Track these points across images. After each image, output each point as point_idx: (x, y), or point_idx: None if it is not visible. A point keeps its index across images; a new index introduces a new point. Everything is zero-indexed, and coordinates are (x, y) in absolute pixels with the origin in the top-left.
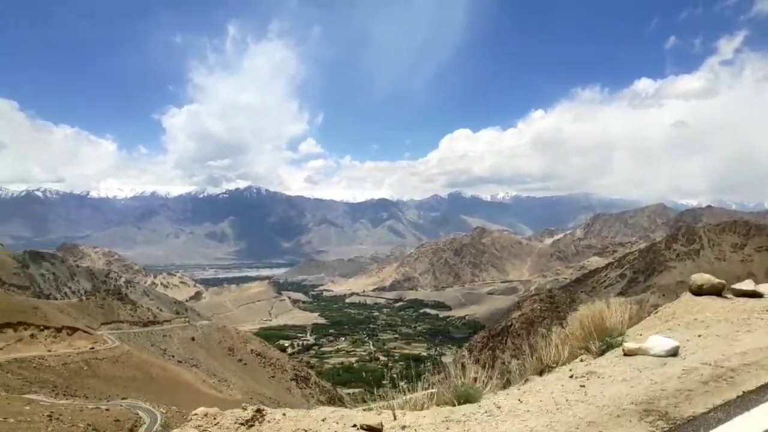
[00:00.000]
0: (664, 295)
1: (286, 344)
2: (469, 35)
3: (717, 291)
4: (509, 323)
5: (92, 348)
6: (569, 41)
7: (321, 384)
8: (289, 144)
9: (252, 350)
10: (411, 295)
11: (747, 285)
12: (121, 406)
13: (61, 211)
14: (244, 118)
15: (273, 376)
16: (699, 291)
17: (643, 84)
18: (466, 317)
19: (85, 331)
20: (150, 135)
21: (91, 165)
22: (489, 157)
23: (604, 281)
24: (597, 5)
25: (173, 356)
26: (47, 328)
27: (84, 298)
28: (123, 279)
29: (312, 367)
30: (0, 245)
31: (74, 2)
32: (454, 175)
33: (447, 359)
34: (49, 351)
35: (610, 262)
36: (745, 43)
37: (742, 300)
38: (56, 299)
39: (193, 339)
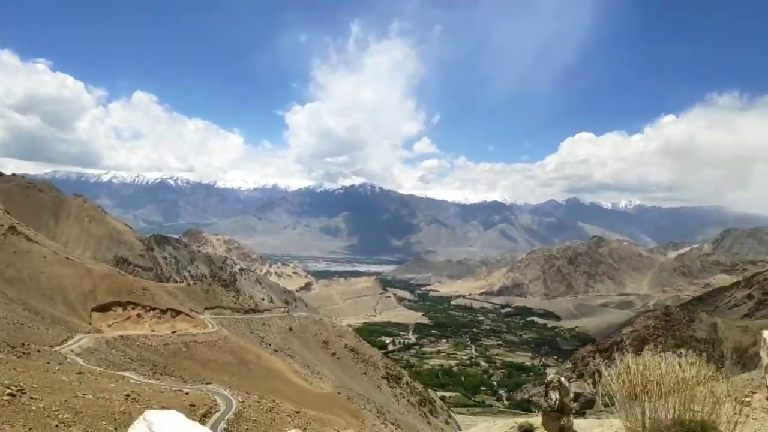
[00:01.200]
0: None
1: (388, 341)
2: (595, 36)
3: None
4: (620, 339)
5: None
6: (705, 42)
7: (413, 385)
8: (404, 143)
9: (346, 345)
10: (519, 302)
11: None
12: (201, 390)
13: (190, 198)
14: (363, 116)
15: (365, 373)
16: None
17: None
18: (576, 329)
19: (188, 315)
20: (274, 130)
21: (218, 156)
22: (612, 162)
23: (729, 301)
24: (735, 3)
25: (270, 344)
26: (153, 309)
27: (191, 282)
28: (238, 266)
29: (411, 367)
30: (129, 228)
31: (208, 3)
32: (573, 181)
33: (551, 371)
34: (153, 331)
35: (737, 281)
36: None
37: None
38: (176, 281)
39: (290, 329)
